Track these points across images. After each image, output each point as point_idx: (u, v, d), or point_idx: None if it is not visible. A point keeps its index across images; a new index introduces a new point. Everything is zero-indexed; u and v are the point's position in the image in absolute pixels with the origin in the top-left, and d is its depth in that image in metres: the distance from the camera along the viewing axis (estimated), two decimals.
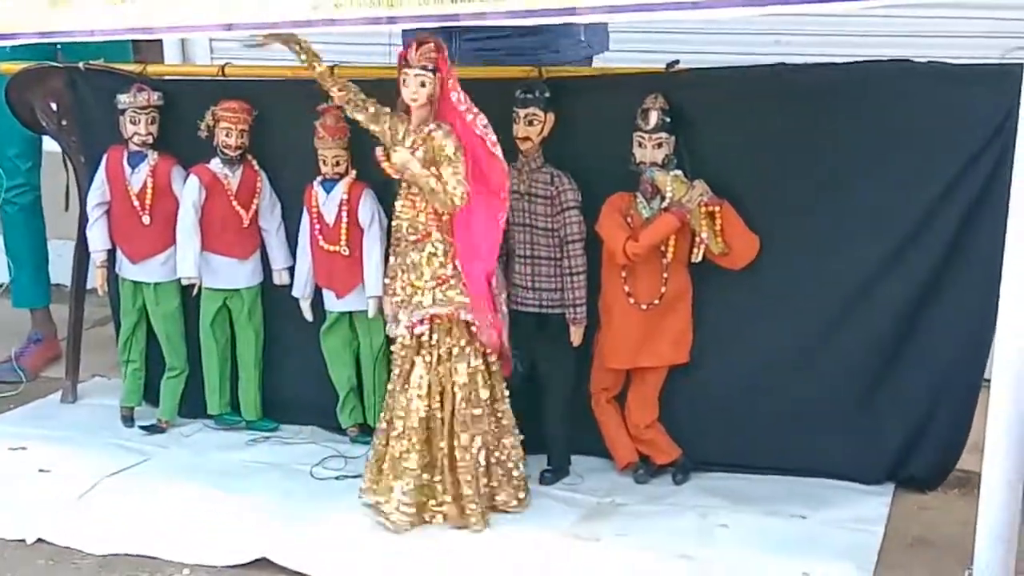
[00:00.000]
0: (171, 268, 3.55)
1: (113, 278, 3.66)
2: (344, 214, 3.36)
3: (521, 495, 3.07)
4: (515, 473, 3.07)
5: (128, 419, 3.69)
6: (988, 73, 2.99)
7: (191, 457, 3.46)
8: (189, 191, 3.46)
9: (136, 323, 3.66)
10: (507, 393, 3.06)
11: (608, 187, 3.15)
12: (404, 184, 2.98)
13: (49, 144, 3.99)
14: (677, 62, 3.17)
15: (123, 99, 3.49)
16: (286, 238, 3.55)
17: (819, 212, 3.13)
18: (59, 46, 3.61)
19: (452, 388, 2.96)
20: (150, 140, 3.52)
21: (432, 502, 3.00)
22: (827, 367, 3.18)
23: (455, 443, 2.98)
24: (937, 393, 3.13)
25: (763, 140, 3.12)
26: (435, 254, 2.96)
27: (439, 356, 2.96)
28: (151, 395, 3.72)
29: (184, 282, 3.52)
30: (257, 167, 3.51)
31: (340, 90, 3.02)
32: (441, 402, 2.97)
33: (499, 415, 3.05)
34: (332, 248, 3.39)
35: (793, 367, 3.20)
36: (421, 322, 2.95)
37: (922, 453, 3.16)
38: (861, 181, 3.09)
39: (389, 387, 3.07)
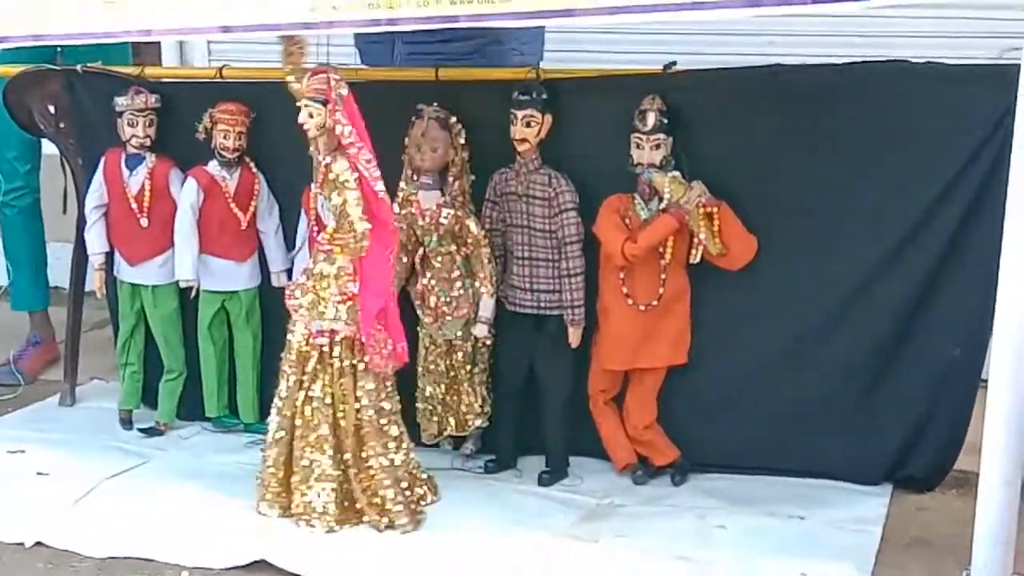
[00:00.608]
0: (169, 270, 3.55)
1: (111, 281, 3.66)
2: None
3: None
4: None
5: (126, 422, 3.69)
6: (985, 73, 3.00)
7: (189, 459, 3.46)
8: (187, 193, 3.47)
9: (134, 326, 3.66)
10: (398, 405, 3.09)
11: (606, 188, 3.16)
12: (323, 196, 3.01)
13: (48, 147, 3.99)
14: (674, 63, 3.17)
15: (121, 101, 3.49)
16: (284, 240, 3.55)
17: (817, 213, 3.13)
18: (59, 49, 3.61)
19: (356, 399, 2.99)
20: (148, 142, 3.52)
21: (350, 509, 3.02)
22: (825, 368, 3.18)
23: (367, 452, 3.00)
24: (935, 394, 3.13)
25: (761, 141, 3.13)
26: (345, 268, 2.98)
27: (342, 369, 2.98)
28: (149, 398, 3.72)
29: (182, 284, 3.53)
30: (255, 169, 3.51)
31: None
32: (345, 412, 2.99)
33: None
34: None
35: (791, 368, 3.21)
36: (322, 333, 2.98)
37: (920, 454, 3.17)
38: (859, 181, 3.09)
39: (282, 395, 3.06)
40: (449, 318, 3.27)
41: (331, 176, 2.93)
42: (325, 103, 2.90)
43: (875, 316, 3.14)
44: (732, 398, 3.26)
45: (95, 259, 3.64)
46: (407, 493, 3.03)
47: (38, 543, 2.96)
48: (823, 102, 3.08)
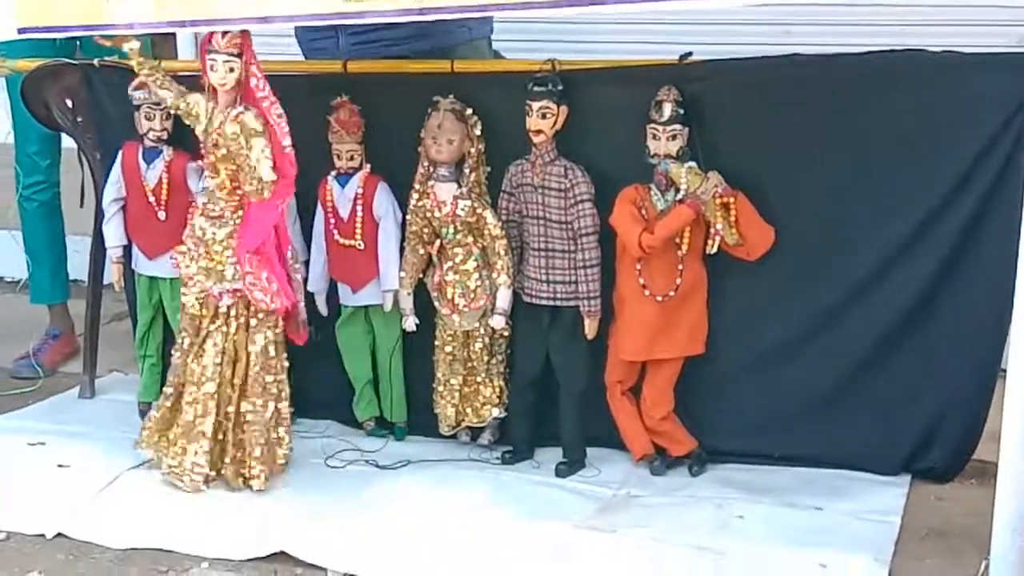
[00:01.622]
0: None
1: (129, 274, 3.67)
2: (359, 208, 3.36)
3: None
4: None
5: (145, 414, 3.68)
6: (1003, 61, 2.99)
7: None
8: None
9: (153, 318, 3.67)
10: (287, 365, 3.20)
11: (622, 180, 3.15)
12: (209, 158, 3.08)
13: (66, 141, 4.01)
14: (690, 54, 3.16)
15: (138, 95, 3.50)
16: (301, 233, 3.56)
17: (833, 201, 3.12)
18: (79, 42, 3.62)
19: (247, 356, 3.09)
20: (165, 136, 3.53)
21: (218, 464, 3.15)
22: (842, 358, 3.18)
23: (247, 407, 3.10)
24: (953, 383, 3.12)
25: (777, 131, 3.12)
26: (236, 230, 3.06)
27: (237, 326, 3.07)
28: None
29: None
30: None
31: (148, 71, 3.12)
32: (234, 369, 3.09)
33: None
34: (347, 242, 3.40)
35: (808, 358, 3.20)
36: (225, 294, 3.07)
37: (939, 444, 3.16)
38: (876, 170, 3.08)
39: (176, 354, 3.19)
40: (466, 309, 3.27)
41: (243, 124, 2.98)
42: (241, 55, 2.96)
43: (893, 305, 3.13)
44: (749, 388, 3.25)
45: (113, 252, 3.65)
46: (267, 451, 3.13)
47: (59, 534, 2.99)
48: (840, 92, 3.07)
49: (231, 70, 2.97)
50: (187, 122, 3.11)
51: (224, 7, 2.84)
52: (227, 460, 3.14)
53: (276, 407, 3.17)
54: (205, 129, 3.05)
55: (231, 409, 3.12)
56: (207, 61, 3.00)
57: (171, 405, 3.18)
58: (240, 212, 3.08)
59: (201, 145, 3.11)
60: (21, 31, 3.13)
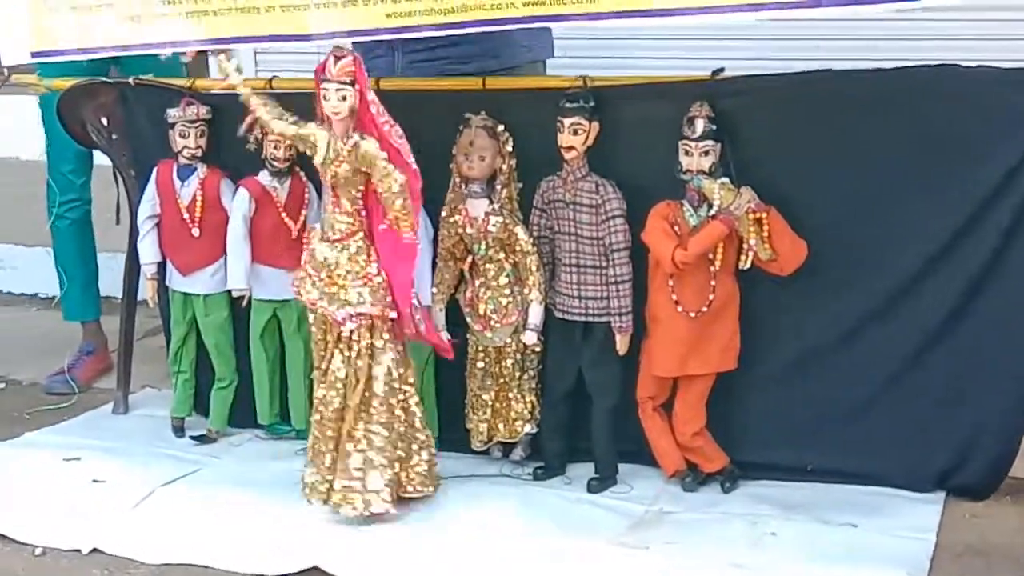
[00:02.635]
0: (221, 280, 3.58)
1: (163, 290, 3.70)
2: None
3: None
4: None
5: (179, 429, 3.73)
6: None
7: (242, 467, 3.49)
8: (239, 204, 3.50)
9: (186, 334, 3.70)
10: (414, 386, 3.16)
11: (654, 195, 3.15)
12: (328, 185, 3.05)
13: (99, 158, 4.05)
14: (722, 69, 3.17)
15: (172, 113, 3.53)
16: None
17: (866, 216, 3.11)
18: (114, 62, 3.66)
19: (370, 379, 3.04)
20: (199, 153, 3.56)
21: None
22: (876, 374, 3.16)
23: (372, 429, 3.05)
24: (988, 400, 3.10)
25: (809, 146, 3.12)
26: (359, 254, 3.02)
27: (359, 351, 3.03)
28: (201, 405, 3.76)
29: (234, 294, 3.56)
30: (305, 179, 3.54)
31: (261, 103, 3.05)
32: (356, 392, 3.04)
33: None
34: None
35: (842, 374, 3.19)
36: (348, 319, 3.02)
37: (974, 461, 3.13)
38: (908, 186, 3.07)
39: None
40: (498, 325, 3.28)
41: (362, 154, 2.95)
42: (355, 83, 2.94)
43: (926, 321, 3.11)
44: (782, 405, 3.24)
45: (147, 269, 3.68)
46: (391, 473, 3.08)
47: (95, 549, 3.01)
48: (872, 107, 3.06)
49: (343, 99, 2.93)
50: (306, 151, 3.06)
51: (265, 25, 2.85)
52: (340, 483, 3.06)
53: (404, 428, 3.11)
54: (323, 159, 3.00)
55: (358, 432, 3.05)
56: (320, 90, 2.96)
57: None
58: (360, 235, 3.03)
59: (320, 174, 3.07)
60: (35, 55, 3.14)
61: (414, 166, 2.99)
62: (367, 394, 3.05)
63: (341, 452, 3.06)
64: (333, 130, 3.00)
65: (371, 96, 2.96)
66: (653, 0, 2.47)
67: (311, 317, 3.14)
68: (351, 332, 3.03)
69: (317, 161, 3.03)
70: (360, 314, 3.02)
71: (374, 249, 3.05)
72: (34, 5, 3.04)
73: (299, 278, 3.12)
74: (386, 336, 3.06)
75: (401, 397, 3.10)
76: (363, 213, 3.05)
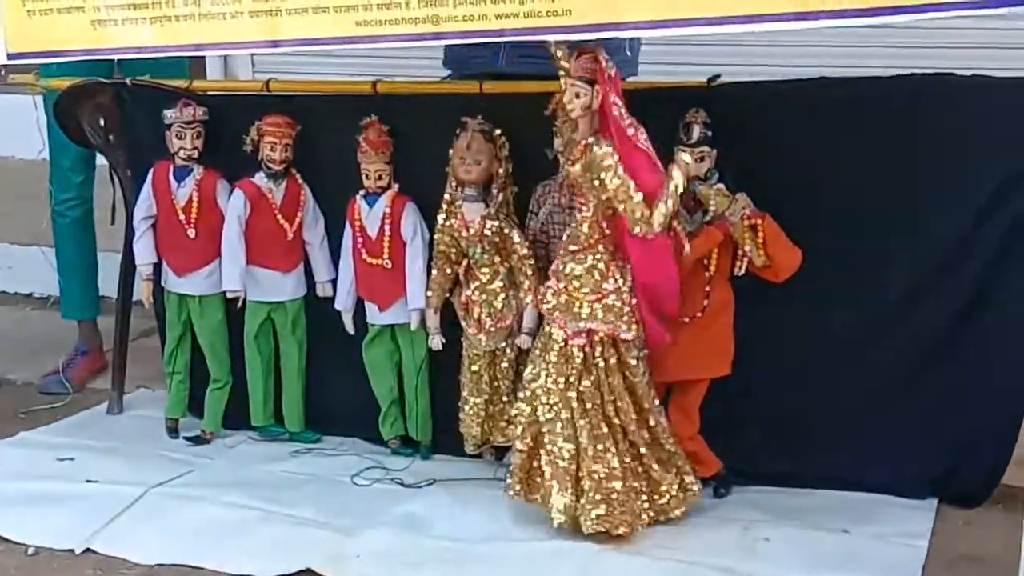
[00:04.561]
0: (216, 281, 3.58)
1: (159, 291, 3.70)
2: (387, 227, 3.38)
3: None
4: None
5: (173, 430, 3.73)
6: None
7: (235, 468, 3.49)
8: (234, 205, 3.50)
9: (181, 335, 3.70)
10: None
11: None
12: (567, 192, 2.95)
13: (98, 158, 4.05)
14: (719, 76, 3.17)
15: (169, 114, 3.54)
16: (329, 251, 3.58)
17: (862, 224, 3.12)
18: (117, 62, 3.67)
19: (630, 395, 2.96)
20: (196, 154, 3.56)
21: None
22: (870, 381, 3.17)
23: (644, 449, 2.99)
24: (982, 407, 3.10)
25: (804, 153, 3.12)
26: (596, 267, 2.94)
27: (607, 368, 2.94)
28: (196, 406, 3.76)
29: (229, 295, 3.56)
30: (301, 181, 3.54)
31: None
32: (616, 410, 2.96)
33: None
34: (375, 261, 3.42)
35: (835, 381, 3.20)
36: (579, 334, 2.93)
37: (967, 468, 3.14)
38: (904, 194, 3.08)
39: (544, 389, 2.95)
40: (492, 329, 3.28)
41: (592, 157, 2.84)
42: (593, 83, 2.83)
43: (921, 330, 3.13)
44: (776, 411, 3.24)
45: (143, 269, 3.68)
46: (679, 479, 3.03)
47: (87, 550, 3.01)
48: (867, 114, 3.07)
49: (576, 96, 2.81)
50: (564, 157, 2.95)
51: (235, 31, 2.81)
52: (645, 501, 2.98)
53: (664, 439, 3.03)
54: (566, 158, 2.91)
55: (626, 457, 2.95)
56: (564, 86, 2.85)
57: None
58: (602, 247, 2.91)
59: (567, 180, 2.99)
60: (11, 56, 3.13)
61: (662, 169, 2.82)
62: (638, 412, 2.97)
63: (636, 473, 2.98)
64: (576, 129, 2.90)
65: (613, 98, 2.81)
66: (625, 13, 2.47)
67: (549, 327, 2.97)
68: (589, 349, 2.91)
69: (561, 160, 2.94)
70: (590, 331, 2.91)
71: (615, 260, 2.93)
72: (10, 6, 3.03)
73: (546, 286, 3.01)
74: (635, 352, 2.95)
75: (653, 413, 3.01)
76: (605, 224, 2.92)
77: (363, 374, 3.55)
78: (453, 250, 3.31)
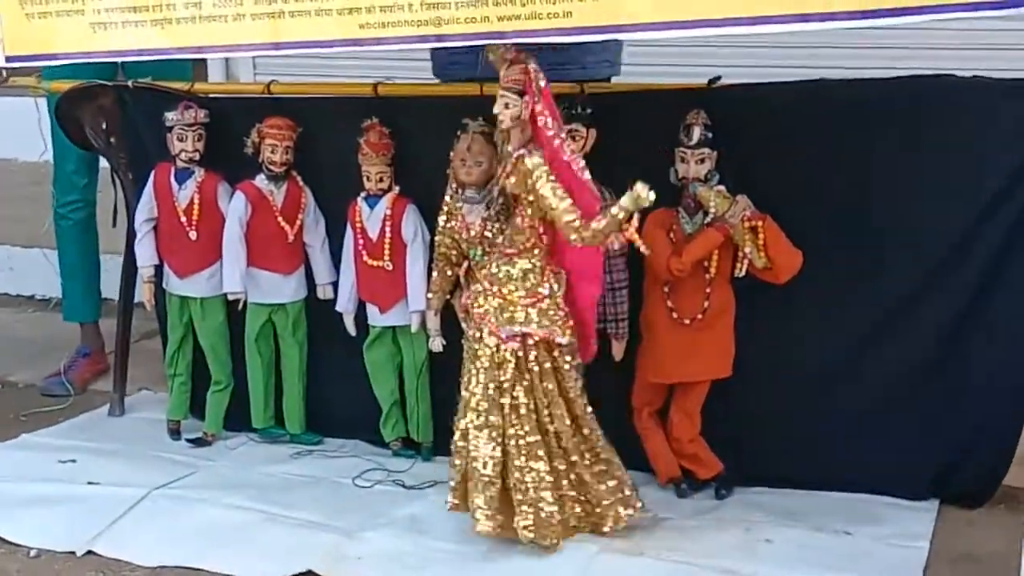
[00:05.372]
0: (217, 283, 3.58)
1: (160, 293, 3.70)
2: (388, 229, 3.39)
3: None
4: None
5: (175, 432, 3.73)
6: None
7: (237, 470, 3.49)
8: (235, 207, 3.51)
9: (183, 337, 3.70)
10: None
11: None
12: (504, 196, 2.97)
13: (101, 160, 4.05)
14: (719, 78, 3.18)
15: (171, 116, 3.54)
16: (330, 253, 3.58)
17: (863, 226, 3.13)
18: (120, 65, 3.67)
19: (564, 403, 2.94)
20: (197, 157, 3.57)
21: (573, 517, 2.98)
22: (871, 382, 3.17)
23: (576, 458, 2.96)
24: (983, 408, 3.11)
25: (806, 155, 3.13)
26: (532, 271, 2.95)
27: (541, 373, 2.93)
28: (197, 408, 3.76)
29: (230, 297, 3.56)
30: (302, 183, 3.55)
31: None
32: (551, 418, 2.93)
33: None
34: (376, 263, 3.42)
35: (837, 382, 3.20)
36: (513, 338, 2.93)
37: (968, 468, 3.14)
38: (905, 195, 3.08)
39: (478, 397, 2.95)
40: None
41: (523, 169, 2.85)
42: (522, 94, 2.85)
43: (921, 330, 3.13)
44: (777, 412, 3.25)
45: (145, 272, 3.68)
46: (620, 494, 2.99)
47: (89, 552, 3.01)
48: (868, 117, 3.08)
49: (506, 106, 2.83)
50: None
51: (237, 34, 2.81)
52: (579, 512, 2.96)
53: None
54: (502, 167, 2.93)
55: (558, 464, 2.92)
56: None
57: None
58: (538, 251, 2.92)
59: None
60: (9, 59, 3.13)
61: (589, 180, 2.84)
62: (572, 418, 2.94)
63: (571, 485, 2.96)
64: (507, 136, 2.92)
65: (540, 109, 2.82)
66: (626, 15, 2.47)
67: (478, 332, 2.96)
68: (522, 353, 2.89)
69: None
70: (524, 335, 2.89)
71: (549, 265, 2.95)
72: (8, 9, 3.03)
73: (476, 291, 3.02)
74: (568, 358, 2.93)
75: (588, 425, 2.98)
76: (542, 229, 2.93)
77: (364, 376, 3.55)
78: (454, 252, 3.31)
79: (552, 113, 2.85)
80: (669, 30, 2.47)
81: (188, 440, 3.69)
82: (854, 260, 3.13)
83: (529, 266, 2.94)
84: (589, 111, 3.12)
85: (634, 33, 2.49)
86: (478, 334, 2.97)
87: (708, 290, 3.14)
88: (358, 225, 3.43)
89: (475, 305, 3.00)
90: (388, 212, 3.39)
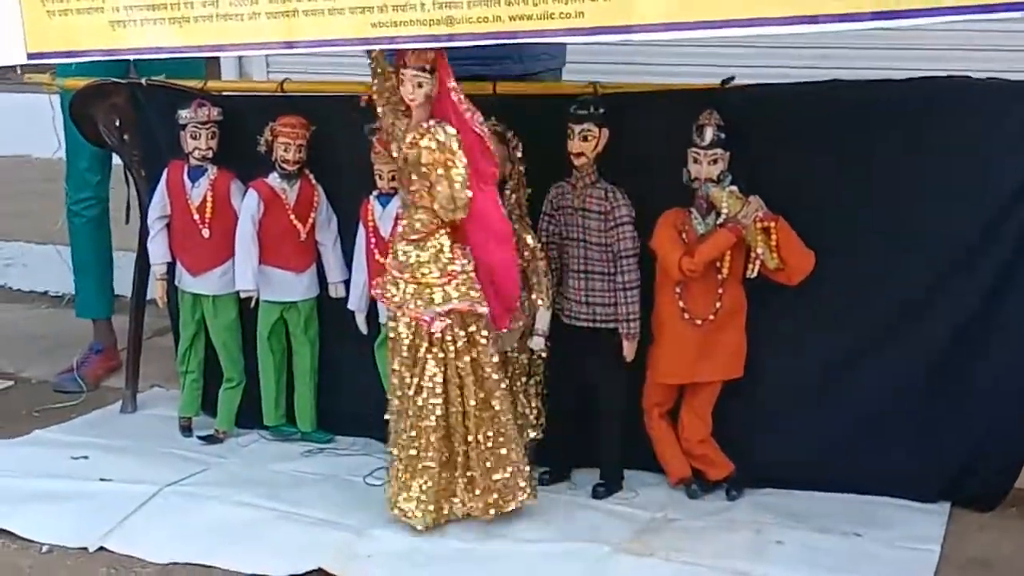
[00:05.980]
0: (229, 281, 3.59)
1: (173, 290, 3.72)
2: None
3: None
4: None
5: (186, 429, 3.75)
6: None
7: (248, 467, 3.50)
8: (248, 205, 3.52)
9: (195, 334, 3.71)
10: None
11: (663, 203, 3.16)
12: (403, 184, 3.01)
13: (114, 157, 4.06)
14: (732, 78, 3.18)
15: (184, 114, 3.55)
16: (342, 252, 3.59)
17: (875, 227, 3.12)
18: (133, 62, 3.69)
19: (475, 380, 2.98)
20: (210, 155, 3.58)
21: (455, 499, 3.04)
22: (882, 384, 3.17)
23: (481, 436, 3.00)
24: (995, 411, 3.10)
25: (818, 156, 3.13)
26: (441, 251, 2.98)
27: (456, 351, 2.98)
28: (209, 405, 3.77)
29: (242, 295, 3.57)
30: (314, 181, 3.56)
31: (380, 91, 3.05)
32: (462, 396, 2.99)
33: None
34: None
35: (848, 384, 3.19)
36: (436, 319, 2.96)
37: (980, 472, 3.14)
38: (917, 197, 3.07)
39: (395, 400, 3.06)
40: (505, 330, 3.28)
41: (434, 143, 2.89)
42: (432, 72, 2.90)
43: (933, 332, 3.12)
44: (788, 413, 3.24)
45: (157, 269, 3.70)
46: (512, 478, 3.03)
47: (101, 548, 3.02)
48: (881, 118, 3.07)
49: (419, 85, 2.89)
50: (391, 144, 3.04)
51: (250, 33, 2.82)
52: (476, 492, 3.02)
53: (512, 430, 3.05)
54: (398, 148, 2.98)
55: (471, 439, 2.99)
56: (400, 77, 2.94)
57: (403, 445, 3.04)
58: (443, 231, 2.97)
59: (398, 168, 3.06)
60: (31, 56, 3.15)
61: (493, 149, 2.96)
62: (485, 390, 2.99)
63: (469, 463, 3.02)
64: (409, 117, 2.96)
65: (452, 83, 2.91)
66: (633, 16, 2.47)
67: (393, 323, 3.03)
68: (441, 332, 2.95)
69: (393, 151, 3.01)
70: (449, 311, 2.94)
71: (457, 242, 2.99)
72: (30, 6, 3.05)
73: (387, 281, 3.05)
74: (484, 333, 2.98)
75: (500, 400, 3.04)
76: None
77: (376, 374, 3.55)
78: None
79: (460, 87, 2.93)
80: (680, 31, 2.47)
81: (200, 437, 3.70)
82: (866, 262, 3.12)
83: (438, 247, 2.98)
84: (602, 111, 3.12)
85: (647, 33, 2.49)
86: (392, 324, 3.03)
87: (720, 291, 3.14)
88: (370, 223, 3.44)
89: (387, 298, 3.04)
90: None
